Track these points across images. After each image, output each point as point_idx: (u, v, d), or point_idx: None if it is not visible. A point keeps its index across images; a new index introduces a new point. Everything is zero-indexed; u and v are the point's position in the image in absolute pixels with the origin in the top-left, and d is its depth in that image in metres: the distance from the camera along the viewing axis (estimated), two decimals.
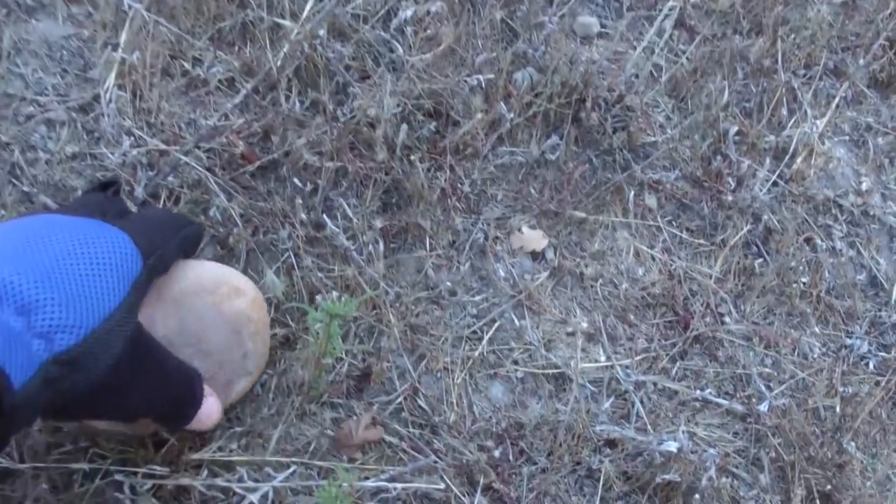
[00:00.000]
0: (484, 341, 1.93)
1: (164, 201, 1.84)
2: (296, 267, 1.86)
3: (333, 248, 1.89)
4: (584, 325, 2.00)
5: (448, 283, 1.95)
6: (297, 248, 1.86)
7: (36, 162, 1.81)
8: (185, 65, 1.99)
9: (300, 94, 2.02)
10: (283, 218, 1.88)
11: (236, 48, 2.04)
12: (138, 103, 1.92)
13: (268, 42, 2.02)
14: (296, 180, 1.91)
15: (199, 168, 1.86)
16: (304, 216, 1.87)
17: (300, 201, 1.88)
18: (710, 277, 2.12)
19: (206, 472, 1.64)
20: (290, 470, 1.68)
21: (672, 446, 1.86)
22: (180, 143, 1.88)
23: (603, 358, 1.99)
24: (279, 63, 1.98)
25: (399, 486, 1.72)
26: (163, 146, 1.87)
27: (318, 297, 1.81)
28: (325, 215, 1.90)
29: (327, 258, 1.89)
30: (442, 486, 1.75)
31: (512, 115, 2.07)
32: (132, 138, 1.87)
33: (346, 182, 1.95)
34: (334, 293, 1.81)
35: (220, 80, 2.00)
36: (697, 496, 1.83)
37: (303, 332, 1.81)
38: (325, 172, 1.91)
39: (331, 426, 1.76)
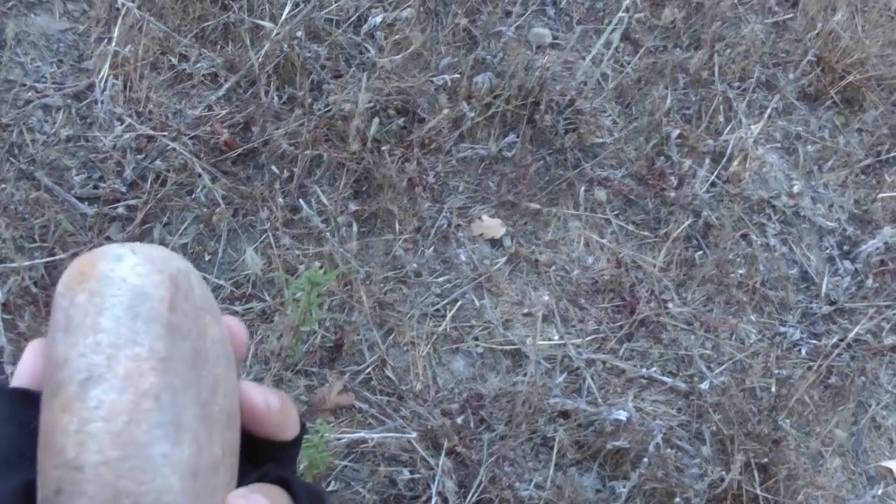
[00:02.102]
0: (447, 319, 2.07)
1: (152, 183, 1.97)
2: (273, 246, 1.99)
3: (308, 230, 2.03)
4: (540, 307, 2.15)
5: (414, 265, 2.10)
6: (274, 229, 2.00)
7: (33, 142, 1.94)
8: (173, 59, 2.14)
9: (279, 89, 2.16)
10: (261, 201, 2.02)
11: (219, 46, 2.19)
12: (129, 93, 2.06)
13: (249, 41, 2.17)
14: (274, 167, 2.05)
15: (185, 153, 1.99)
16: (281, 200, 2.01)
17: (278, 186, 2.02)
18: (655, 267, 2.29)
19: None
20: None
21: (622, 415, 2.00)
22: (167, 130, 2.02)
23: (556, 337, 2.14)
24: (260, 60, 2.13)
25: (375, 436, 1.85)
26: (151, 132, 2.01)
27: (302, 268, 1.95)
28: (300, 200, 2.04)
29: (302, 239, 2.03)
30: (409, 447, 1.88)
31: (473, 115, 2.23)
32: (123, 124, 2.00)
33: (320, 170, 2.10)
34: (316, 264, 1.94)
35: (204, 75, 2.14)
36: (646, 460, 1.97)
37: (279, 305, 1.94)
38: (301, 161, 2.06)
39: (305, 392, 1.89)
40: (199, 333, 0.60)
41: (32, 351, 0.60)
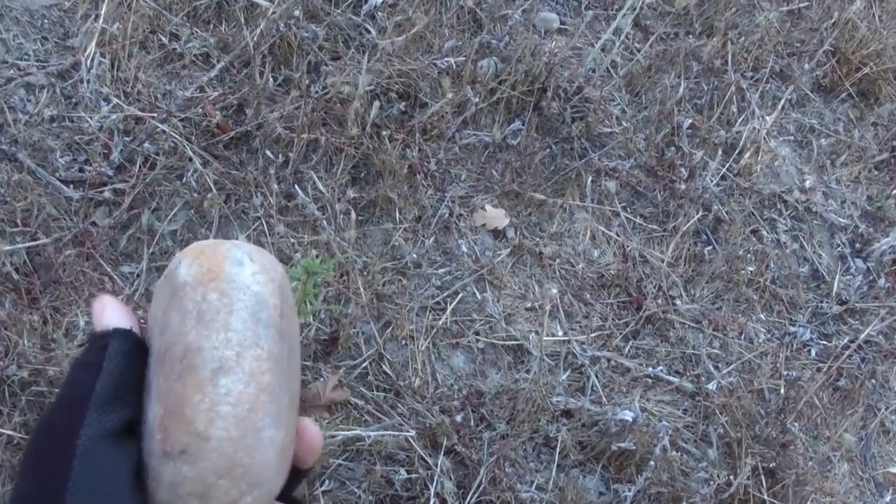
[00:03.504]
0: (447, 312, 2.00)
1: (140, 166, 1.88)
2: (267, 234, 1.91)
3: (304, 218, 1.95)
4: (546, 301, 2.07)
5: (414, 256, 2.02)
6: (268, 216, 1.92)
7: (15, 122, 1.85)
8: (163, 38, 2.05)
9: (274, 70, 2.08)
10: (255, 187, 1.93)
11: (212, 25, 2.10)
12: (116, 72, 1.97)
13: (243, 20, 2.08)
14: (268, 152, 1.97)
15: (176, 136, 1.91)
16: (276, 186, 1.92)
17: (272, 172, 1.93)
18: (663, 262, 2.21)
19: None
20: None
21: (627, 415, 1.93)
22: (157, 112, 1.93)
23: (560, 333, 2.06)
24: (255, 40, 2.04)
25: (371, 434, 1.78)
26: (140, 113, 1.92)
27: (297, 257, 1.86)
28: (296, 186, 1.96)
29: (298, 227, 1.95)
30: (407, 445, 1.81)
31: (477, 100, 2.15)
32: (110, 105, 1.91)
33: (317, 156, 2.01)
34: (313, 252, 1.86)
35: (196, 55, 2.06)
36: (652, 463, 1.89)
37: None
38: (296, 145, 1.97)
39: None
40: (292, 333, 0.72)
41: (118, 307, 0.69)
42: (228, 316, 0.69)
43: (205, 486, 0.69)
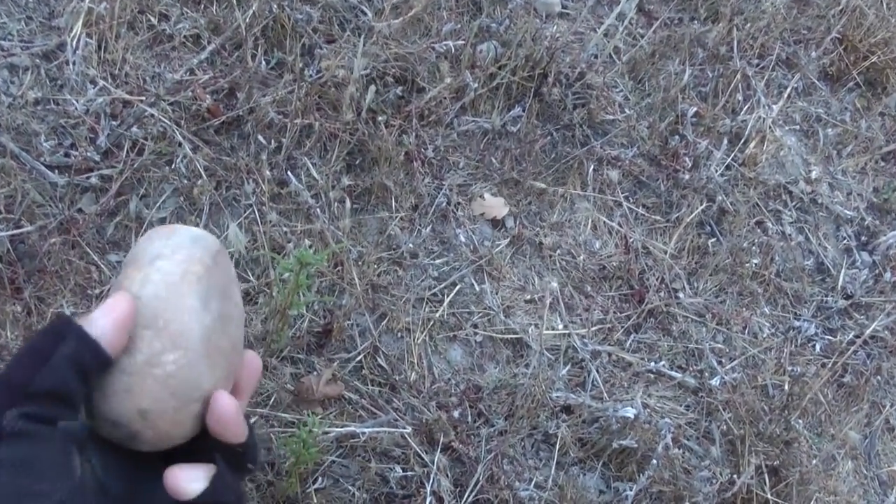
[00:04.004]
0: (444, 304, 1.94)
1: (128, 151, 1.82)
2: (259, 222, 1.85)
3: (297, 206, 1.89)
4: (546, 293, 2.02)
5: (410, 246, 1.96)
6: (260, 203, 1.85)
7: None
8: (152, 19, 1.98)
9: (266, 53, 2.01)
10: (247, 174, 1.87)
11: (202, 6, 2.03)
12: (103, 54, 1.90)
13: (235, 1, 2.01)
14: (260, 137, 1.90)
15: (165, 120, 1.84)
16: (268, 173, 1.86)
17: (265, 158, 1.87)
18: (666, 253, 2.15)
19: None
20: (252, 420, 1.66)
21: (629, 412, 1.88)
22: (145, 95, 1.86)
23: (560, 326, 2.01)
24: (247, 22, 1.97)
25: (366, 430, 1.72)
26: (127, 97, 1.85)
27: (290, 247, 1.80)
28: (289, 172, 1.89)
29: (290, 215, 1.89)
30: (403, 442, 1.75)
31: (476, 86, 2.09)
32: (96, 87, 1.85)
33: (310, 141, 1.95)
34: (307, 242, 1.80)
35: (185, 36, 1.99)
36: (654, 461, 1.84)
37: (264, 286, 1.79)
38: (290, 130, 1.91)
39: (290, 381, 1.75)
40: (228, 284, 0.83)
41: (121, 318, 0.72)
42: (171, 234, 0.83)
43: (131, 338, 0.76)
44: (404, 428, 1.75)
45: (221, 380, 0.80)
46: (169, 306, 0.78)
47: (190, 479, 0.73)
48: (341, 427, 1.72)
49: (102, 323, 0.72)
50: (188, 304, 0.78)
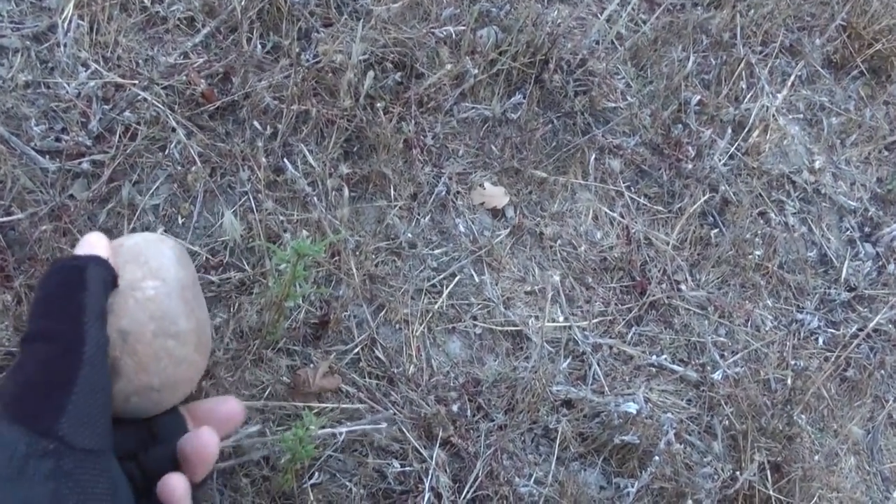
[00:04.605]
0: (443, 295, 1.90)
1: (120, 136, 1.77)
2: (254, 210, 1.80)
3: (293, 193, 1.84)
4: (545, 284, 1.98)
5: (409, 235, 1.91)
6: (256, 191, 1.81)
7: None
8: (145, 1, 1.93)
9: (262, 36, 1.97)
10: (242, 160, 1.82)
11: None
12: (95, 36, 1.85)
13: None
14: (256, 123, 1.86)
15: (158, 104, 1.79)
16: (264, 159, 1.81)
17: (260, 144, 1.82)
18: (668, 245, 2.12)
19: None
20: (251, 413, 1.62)
21: (631, 408, 1.84)
22: (138, 79, 1.81)
23: (561, 318, 1.97)
24: (242, 4, 1.92)
25: (356, 428, 1.69)
26: (120, 80, 1.80)
27: (286, 236, 1.76)
28: (285, 159, 1.85)
29: (286, 203, 1.84)
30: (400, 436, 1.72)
31: (476, 72, 2.04)
32: (88, 70, 1.80)
33: (307, 128, 1.90)
34: (304, 233, 1.76)
35: (180, 19, 1.94)
36: (657, 458, 1.81)
37: (259, 276, 1.75)
38: (286, 116, 1.86)
39: (286, 373, 1.71)
40: (195, 287, 0.90)
41: (104, 243, 0.83)
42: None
43: (116, 272, 0.84)
44: (401, 425, 1.71)
45: (192, 333, 0.86)
46: (150, 248, 0.87)
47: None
48: (336, 427, 1.68)
49: (100, 248, 0.83)
50: (166, 251, 0.87)
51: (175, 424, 0.90)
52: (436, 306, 1.88)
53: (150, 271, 0.85)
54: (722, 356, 2.05)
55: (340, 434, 1.67)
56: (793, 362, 2.08)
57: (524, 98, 2.11)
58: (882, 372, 2.19)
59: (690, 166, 2.19)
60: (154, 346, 0.83)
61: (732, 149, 2.28)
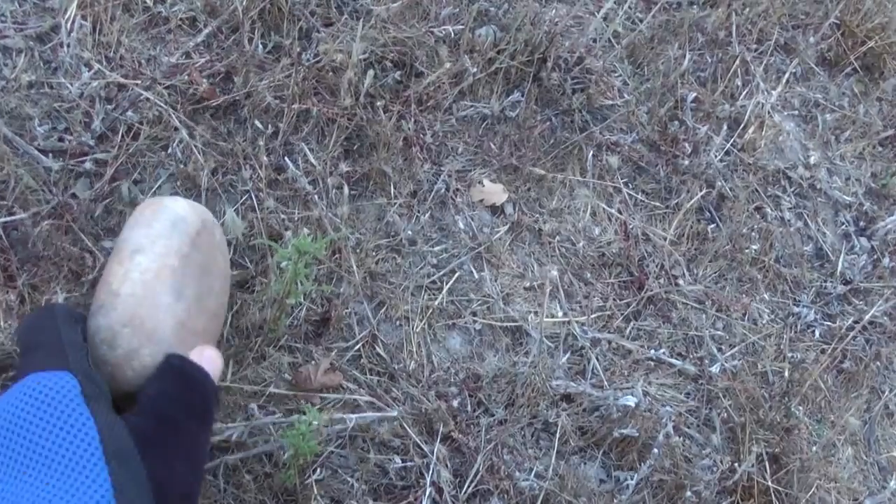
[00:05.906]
0: (443, 292, 1.92)
1: (123, 136, 1.79)
2: (256, 208, 1.82)
3: (294, 192, 1.86)
4: (544, 280, 2.00)
5: (409, 232, 1.93)
6: (258, 189, 1.83)
7: None
8: (147, 1, 1.95)
9: (263, 36, 1.99)
10: (243, 159, 1.84)
11: None
12: (98, 36, 1.87)
13: None
14: (257, 122, 1.88)
15: (161, 104, 1.81)
16: (265, 158, 1.83)
17: (262, 143, 1.84)
18: (665, 240, 2.14)
19: None
20: (255, 406, 1.65)
21: (630, 401, 1.86)
22: (140, 79, 1.83)
23: (560, 314, 1.99)
24: (244, 4, 1.94)
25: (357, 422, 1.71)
26: (122, 80, 1.82)
27: (288, 234, 1.78)
28: (286, 158, 1.87)
29: (288, 201, 1.86)
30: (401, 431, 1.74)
31: (475, 70, 2.06)
32: (91, 70, 1.81)
33: (308, 127, 1.92)
34: (305, 231, 1.78)
35: (181, 19, 1.96)
36: (655, 450, 1.83)
37: (261, 274, 1.77)
38: (287, 115, 1.88)
39: (288, 370, 1.73)
40: (209, 259, 1.00)
41: None
42: (153, 220, 1.00)
43: (112, 334, 0.92)
44: (402, 420, 1.73)
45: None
46: (145, 304, 0.94)
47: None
48: (335, 424, 1.70)
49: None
50: (162, 301, 0.94)
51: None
52: (436, 303, 1.90)
53: (147, 336, 0.98)
54: (720, 349, 2.07)
55: (350, 420, 1.69)
56: (790, 355, 2.11)
57: (522, 96, 2.14)
58: (878, 363, 2.21)
59: (687, 162, 2.21)
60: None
61: (728, 145, 2.30)
